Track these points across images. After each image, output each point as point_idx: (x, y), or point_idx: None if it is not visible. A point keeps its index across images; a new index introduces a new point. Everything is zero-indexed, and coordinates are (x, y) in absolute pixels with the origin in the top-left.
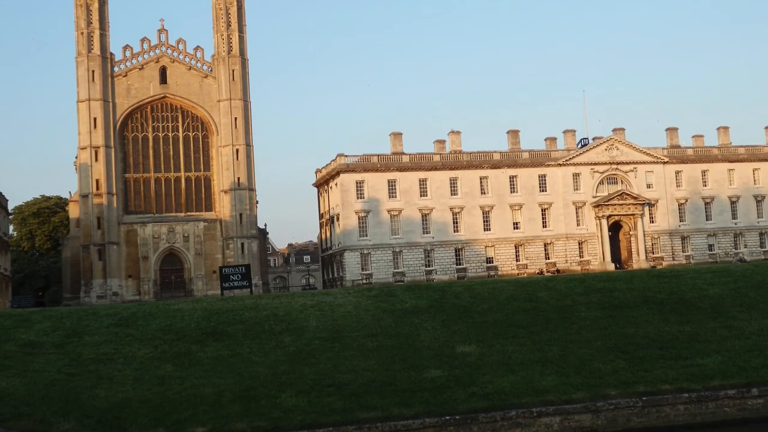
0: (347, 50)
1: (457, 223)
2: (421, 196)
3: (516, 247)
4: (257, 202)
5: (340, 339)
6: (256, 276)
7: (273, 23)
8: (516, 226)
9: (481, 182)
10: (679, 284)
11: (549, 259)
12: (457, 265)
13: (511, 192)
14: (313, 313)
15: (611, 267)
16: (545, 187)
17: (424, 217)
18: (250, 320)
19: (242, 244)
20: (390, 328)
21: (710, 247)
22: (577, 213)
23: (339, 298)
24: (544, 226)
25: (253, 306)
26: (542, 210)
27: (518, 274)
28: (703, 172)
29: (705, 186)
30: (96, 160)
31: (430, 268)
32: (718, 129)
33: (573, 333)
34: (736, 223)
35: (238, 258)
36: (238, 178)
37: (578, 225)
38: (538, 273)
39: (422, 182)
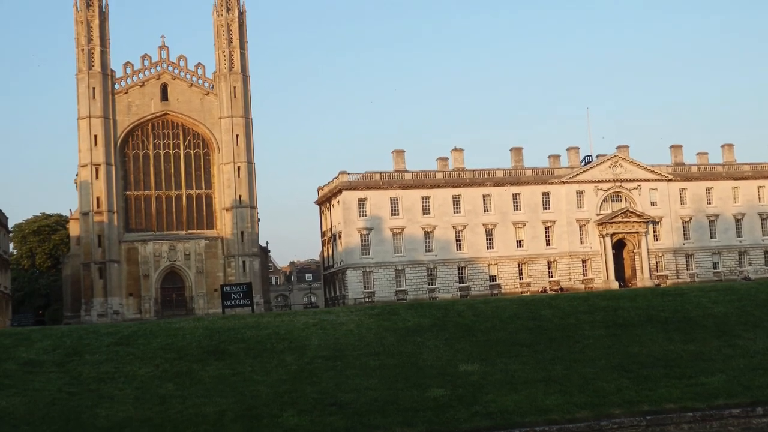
0: (349, 67)
1: (459, 241)
2: (423, 213)
3: (519, 265)
4: (259, 220)
5: (343, 357)
6: (258, 294)
7: (275, 40)
8: (519, 244)
9: (484, 200)
10: (683, 302)
11: (552, 277)
12: (459, 283)
13: (515, 210)
14: (315, 332)
15: (615, 285)
16: (549, 204)
17: (427, 235)
18: (252, 339)
19: (244, 262)
20: (392, 346)
21: (715, 265)
22: (580, 231)
23: (341, 317)
24: (548, 244)
25: (255, 324)
26: (545, 228)
27: (521, 293)
28: (708, 190)
29: (709, 204)
30: (96, 177)
31: (433, 287)
32: (723, 146)
33: (577, 351)
34: (740, 241)
35: (239, 276)
36: (240, 196)
37: (582, 243)
38: (541, 291)
39: (425, 200)
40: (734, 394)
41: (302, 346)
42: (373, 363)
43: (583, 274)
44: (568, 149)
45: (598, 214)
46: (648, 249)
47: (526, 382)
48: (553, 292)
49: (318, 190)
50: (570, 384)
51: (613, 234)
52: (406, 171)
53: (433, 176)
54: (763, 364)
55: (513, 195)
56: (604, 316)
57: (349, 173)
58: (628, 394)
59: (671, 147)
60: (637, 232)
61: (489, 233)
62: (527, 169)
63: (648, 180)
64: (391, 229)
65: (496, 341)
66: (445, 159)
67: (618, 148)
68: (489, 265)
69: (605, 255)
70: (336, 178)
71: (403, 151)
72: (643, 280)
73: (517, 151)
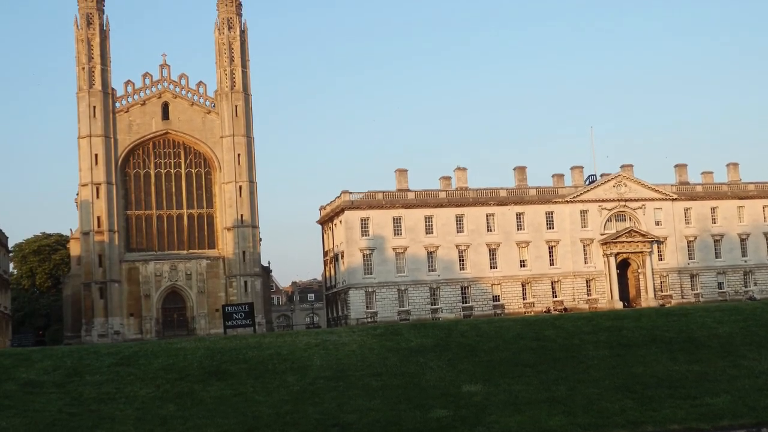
0: (352, 86)
1: (463, 260)
2: (426, 233)
3: (523, 285)
4: (260, 240)
5: (345, 378)
6: (260, 314)
7: (277, 58)
8: (523, 263)
9: (487, 219)
10: (687, 323)
11: (556, 297)
12: (463, 303)
13: (518, 229)
14: (317, 352)
15: (619, 305)
16: (552, 224)
17: (430, 255)
18: (254, 359)
19: (245, 282)
20: (395, 367)
21: (720, 285)
22: (584, 250)
23: (343, 337)
24: (551, 263)
25: (257, 345)
26: (549, 247)
27: (525, 313)
28: (713, 209)
29: (714, 223)
30: (97, 197)
31: (436, 307)
32: (728, 165)
33: (581, 372)
34: (745, 261)
35: (241, 296)
36: (242, 215)
37: (586, 263)
38: (545, 311)
39: (428, 219)
40: (739, 415)
41: (304, 366)
42: (375, 383)
43: (587, 294)
44: (572, 168)
45: (602, 234)
46: (652, 269)
47: (530, 402)
48: (557, 313)
49: (320, 210)
50: (574, 405)
51: (618, 254)
52: (408, 190)
53: (436, 195)
54: None
55: (516, 214)
56: (608, 336)
57: (351, 192)
58: (632, 415)
59: (676, 166)
60: (641, 252)
61: (492, 253)
62: (531, 188)
63: (652, 199)
64: (394, 248)
65: (500, 362)
66: (448, 178)
67: (622, 167)
68: (492, 285)
69: (609, 275)
70: (338, 197)
71: (406, 171)
72: (648, 300)
73: (520, 171)
